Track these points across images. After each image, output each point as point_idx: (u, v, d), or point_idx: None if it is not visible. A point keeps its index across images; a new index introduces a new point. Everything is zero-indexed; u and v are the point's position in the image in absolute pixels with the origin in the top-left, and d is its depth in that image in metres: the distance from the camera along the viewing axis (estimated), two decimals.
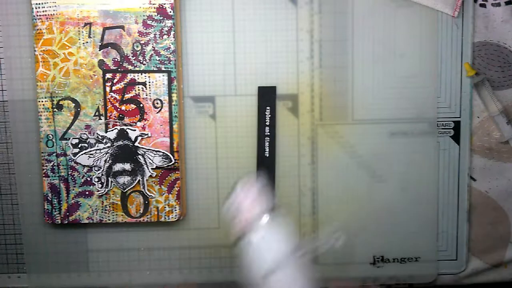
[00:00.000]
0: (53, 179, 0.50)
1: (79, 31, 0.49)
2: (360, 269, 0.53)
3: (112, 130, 0.50)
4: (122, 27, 0.49)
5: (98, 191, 0.50)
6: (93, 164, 0.50)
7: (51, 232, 0.52)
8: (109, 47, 0.49)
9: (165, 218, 0.50)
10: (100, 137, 0.50)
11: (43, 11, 0.48)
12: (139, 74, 0.49)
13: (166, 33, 0.49)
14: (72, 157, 0.50)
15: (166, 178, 0.50)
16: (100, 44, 0.49)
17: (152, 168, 0.50)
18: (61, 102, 0.49)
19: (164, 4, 0.48)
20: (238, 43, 0.51)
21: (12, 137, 0.51)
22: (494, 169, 0.53)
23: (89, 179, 0.50)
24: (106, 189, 0.50)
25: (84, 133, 0.50)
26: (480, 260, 0.54)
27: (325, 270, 0.53)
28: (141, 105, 0.49)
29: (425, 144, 0.52)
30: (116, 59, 0.49)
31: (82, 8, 0.48)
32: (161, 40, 0.49)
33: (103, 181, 0.50)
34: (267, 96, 0.49)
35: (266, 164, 0.50)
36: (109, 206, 0.50)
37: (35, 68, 0.49)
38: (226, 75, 0.51)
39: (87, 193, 0.50)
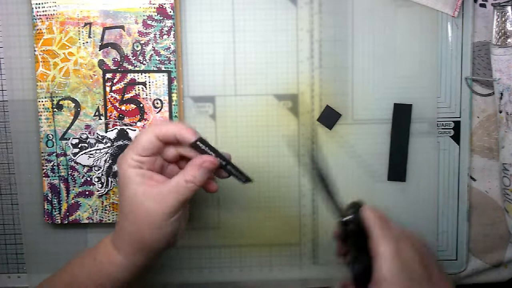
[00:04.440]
0: (53, 179, 0.50)
1: (79, 31, 0.49)
2: None
3: (112, 130, 0.50)
4: (122, 27, 0.49)
5: (98, 191, 0.50)
6: (93, 164, 0.50)
7: (51, 232, 0.52)
8: (109, 47, 0.49)
9: None
10: (100, 137, 0.50)
11: (43, 11, 0.48)
12: (139, 74, 0.49)
13: (166, 33, 0.49)
14: (72, 157, 0.50)
15: None
16: (100, 44, 0.49)
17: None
18: (61, 102, 0.49)
19: (164, 4, 0.48)
20: (238, 43, 0.51)
21: (12, 137, 0.51)
22: (494, 169, 0.53)
23: (89, 179, 0.50)
24: (106, 189, 0.50)
25: (84, 133, 0.50)
26: (480, 260, 0.54)
27: (325, 270, 0.53)
28: (141, 105, 0.49)
29: (425, 144, 0.52)
30: (116, 59, 0.49)
31: (82, 8, 0.48)
32: (161, 40, 0.49)
33: (103, 181, 0.50)
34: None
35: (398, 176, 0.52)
36: (109, 206, 0.50)
37: (35, 68, 0.49)
38: (226, 75, 0.51)
39: (87, 193, 0.50)
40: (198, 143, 0.39)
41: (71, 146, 0.50)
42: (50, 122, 0.49)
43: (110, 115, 0.50)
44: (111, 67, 0.49)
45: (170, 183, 0.39)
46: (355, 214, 0.42)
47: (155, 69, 0.49)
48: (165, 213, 0.38)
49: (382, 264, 0.38)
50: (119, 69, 0.49)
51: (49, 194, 0.50)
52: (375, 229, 0.40)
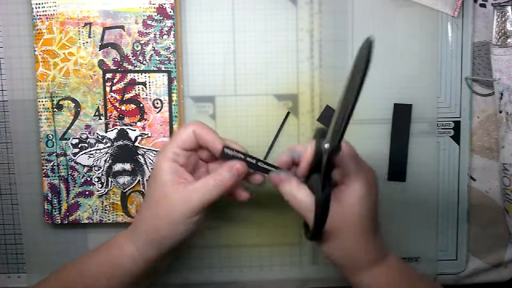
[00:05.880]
0: (53, 179, 0.50)
1: (79, 31, 0.49)
2: None
3: (112, 130, 0.50)
4: (122, 27, 0.49)
5: (98, 191, 0.50)
6: (93, 164, 0.50)
7: (51, 232, 0.52)
8: (109, 47, 0.49)
9: None
10: (100, 137, 0.50)
11: (43, 11, 0.48)
12: (139, 74, 0.49)
13: (166, 33, 0.49)
14: (72, 157, 0.50)
15: None
16: (100, 44, 0.49)
17: (152, 168, 0.50)
18: (61, 102, 0.49)
19: (164, 4, 0.48)
20: (238, 43, 0.51)
21: (12, 137, 0.51)
22: (494, 169, 0.53)
23: (89, 179, 0.50)
24: (106, 189, 0.50)
25: (84, 133, 0.50)
26: (480, 260, 0.54)
27: (325, 270, 0.53)
28: (141, 105, 0.49)
29: (425, 144, 0.52)
30: (116, 59, 0.49)
31: (82, 8, 0.48)
32: (161, 40, 0.49)
33: (103, 181, 0.50)
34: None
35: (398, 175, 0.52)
36: (109, 206, 0.50)
37: (35, 68, 0.49)
38: (226, 75, 0.51)
39: (87, 193, 0.50)
40: (225, 150, 0.41)
41: (71, 146, 0.50)
42: (50, 122, 0.49)
43: (110, 115, 0.50)
44: (111, 67, 0.49)
45: (199, 182, 0.40)
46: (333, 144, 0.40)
47: (155, 69, 0.49)
48: (188, 209, 0.39)
49: (355, 204, 0.40)
50: (119, 69, 0.49)
51: (49, 194, 0.50)
52: (351, 166, 0.40)
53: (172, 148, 0.41)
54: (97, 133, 0.49)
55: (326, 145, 0.38)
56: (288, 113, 0.51)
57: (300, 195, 0.40)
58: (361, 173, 0.40)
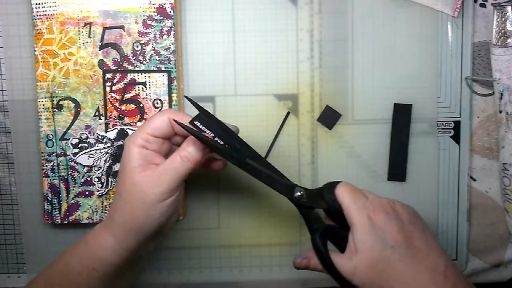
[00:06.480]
0: (53, 179, 0.50)
1: (79, 31, 0.49)
2: None
3: (112, 130, 0.50)
4: (122, 27, 0.49)
5: (98, 191, 0.50)
6: (93, 164, 0.50)
7: (51, 232, 0.52)
8: (109, 47, 0.49)
9: None
10: (100, 137, 0.50)
11: (43, 11, 0.48)
12: (139, 74, 0.49)
13: (166, 33, 0.49)
14: (72, 157, 0.50)
15: None
16: (100, 44, 0.49)
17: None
18: (61, 102, 0.49)
19: (164, 4, 0.48)
20: (238, 43, 0.51)
21: (12, 137, 0.51)
22: (494, 169, 0.53)
23: (89, 179, 0.50)
24: (106, 189, 0.50)
25: (84, 133, 0.50)
26: (480, 260, 0.54)
27: None
28: (141, 105, 0.49)
29: (425, 144, 0.52)
30: (116, 59, 0.49)
31: (82, 8, 0.48)
32: (161, 40, 0.49)
33: (103, 181, 0.50)
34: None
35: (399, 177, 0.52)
36: (109, 206, 0.50)
37: (35, 68, 0.49)
38: (226, 75, 0.51)
39: (87, 193, 0.50)
40: (195, 122, 0.39)
41: (71, 146, 0.50)
42: (50, 122, 0.49)
43: (110, 115, 0.50)
44: (111, 67, 0.49)
45: (166, 162, 0.39)
46: (325, 192, 0.40)
47: (155, 69, 0.49)
48: (160, 192, 0.38)
49: (355, 234, 0.38)
50: (119, 69, 0.49)
51: (49, 194, 0.50)
52: (345, 201, 0.39)
53: (142, 135, 0.39)
54: (97, 133, 0.49)
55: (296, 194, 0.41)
56: (288, 113, 0.51)
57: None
58: (358, 211, 0.38)
